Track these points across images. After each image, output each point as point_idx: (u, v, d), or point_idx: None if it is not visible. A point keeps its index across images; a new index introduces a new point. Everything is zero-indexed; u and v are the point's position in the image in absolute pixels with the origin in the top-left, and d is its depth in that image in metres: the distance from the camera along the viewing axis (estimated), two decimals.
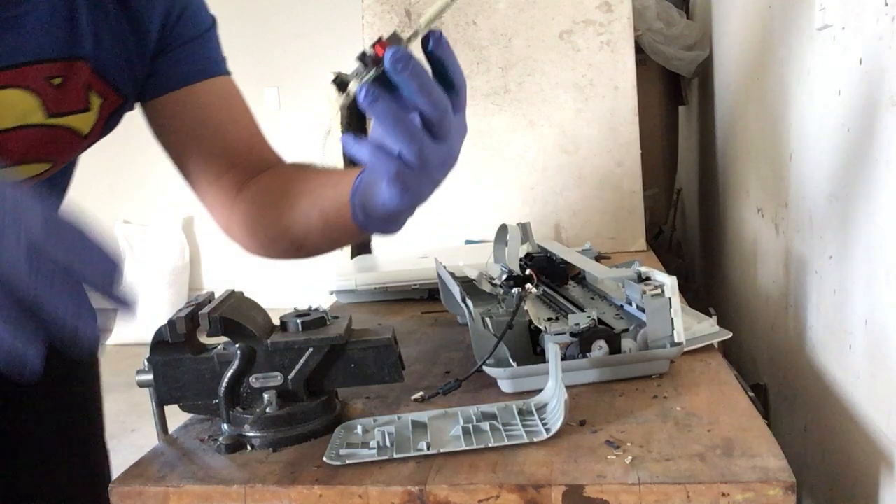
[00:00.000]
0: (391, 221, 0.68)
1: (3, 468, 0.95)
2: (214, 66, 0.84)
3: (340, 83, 0.61)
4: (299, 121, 4.19)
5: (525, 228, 1.26)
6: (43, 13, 0.70)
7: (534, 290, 0.95)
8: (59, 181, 0.85)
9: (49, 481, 0.97)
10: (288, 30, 4.33)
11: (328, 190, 0.74)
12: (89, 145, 0.80)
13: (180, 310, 0.78)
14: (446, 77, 0.55)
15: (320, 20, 4.27)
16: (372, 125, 0.53)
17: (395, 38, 0.51)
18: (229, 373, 0.76)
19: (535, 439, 0.70)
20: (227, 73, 0.86)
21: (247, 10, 4.27)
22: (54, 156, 0.78)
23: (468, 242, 1.70)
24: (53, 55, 0.72)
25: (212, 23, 0.85)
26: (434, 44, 0.53)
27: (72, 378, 1.00)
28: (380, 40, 0.51)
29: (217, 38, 0.85)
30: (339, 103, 0.56)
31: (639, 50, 1.99)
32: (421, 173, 0.56)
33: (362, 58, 0.52)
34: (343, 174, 0.74)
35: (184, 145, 0.83)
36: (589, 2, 1.71)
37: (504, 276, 1.06)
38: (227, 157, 0.83)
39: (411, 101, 0.53)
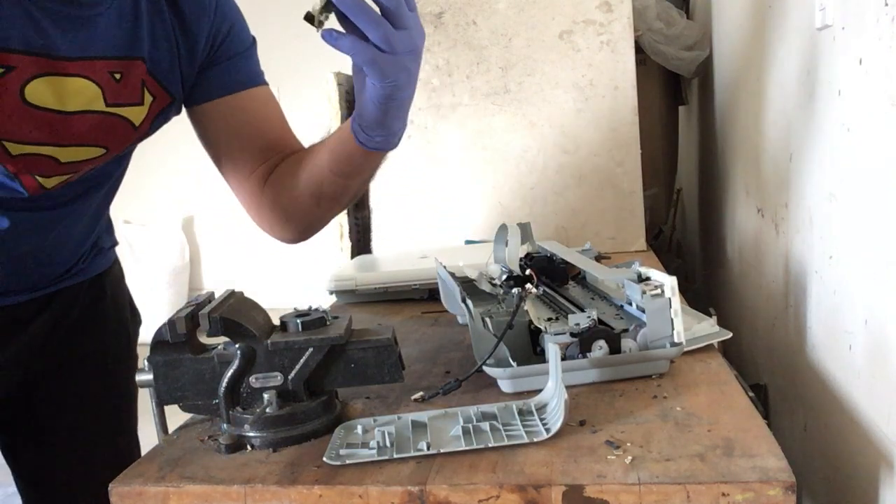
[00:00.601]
0: (384, 128, 0.83)
1: (41, 444, 1.05)
2: (255, 78, 0.97)
3: (309, 15, 0.68)
4: (299, 121, 4.18)
5: (525, 228, 1.26)
6: (113, 15, 0.81)
7: (534, 290, 0.95)
8: (112, 172, 0.98)
9: (82, 462, 1.06)
10: (288, 30, 4.33)
11: (333, 136, 0.90)
12: (139, 139, 0.92)
13: (180, 310, 0.78)
14: None
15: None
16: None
17: None
18: (229, 373, 0.76)
19: (535, 439, 0.70)
20: (265, 83, 0.98)
21: (247, 10, 4.27)
22: (109, 142, 0.88)
23: (468, 242, 1.70)
24: (117, 53, 0.83)
25: (252, 41, 0.98)
26: None
27: (110, 358, 1.10)
28: None
29: (256, 54, 0.98)
30: (316, 9, 0.70)
31: (639, 50, 1.98)
32: (392, 58, 0.71)
33: None
34: (342, 126, 0.88)
35: (224, 145, 0.95)
36: (589, 2, 1.71)
37: (504, 276, 1.06)
38: (261, 155, 0.95)
39: None
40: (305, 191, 0.94)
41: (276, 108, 0.99)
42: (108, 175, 0.98)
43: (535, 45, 1.73)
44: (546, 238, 1.54)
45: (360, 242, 1.82)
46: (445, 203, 1.75)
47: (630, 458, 0.65)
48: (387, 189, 1.76)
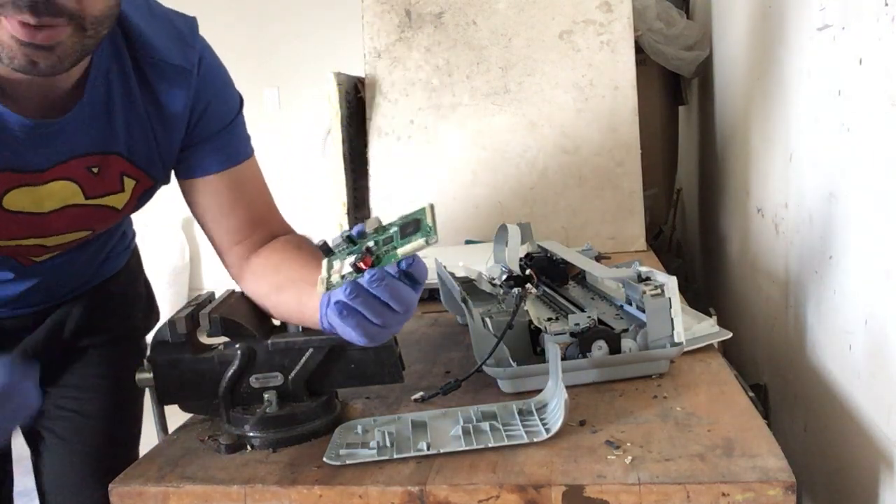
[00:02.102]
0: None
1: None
2: (238, 155, 0.94)
3: (326, 249, 0.67)
4: (299, 121, 4.18)
5: (525, 228, 1.26)
6: (84, 115, 0.81)
7: (534, 290, 0.95)
8: (110, 227, 0.99)
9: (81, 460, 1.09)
10: (288, 30, 4.33)
11: (307, 291, 0.80)
12: (124, 216, 0.94)
13: (180, 310, 0.78)
14: (412, 277, 0.68)
15: (320, 20, 4.26)
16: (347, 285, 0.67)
17: (376, 260, 0.66)
18: (229, 373, 0.76)
19: (535, 439, 0.70)
20: (250, 155, 0.96)
21: (247, 10, 4.27)
22: (93, 226, 0.92)
23: (468, 242, 1.70)
24: (92, 150, 0.83)
25: (238, 108, 0.94)
26: (407, 265, 0.67)
27: (123, 343, 1.12)
28: (368, 251, 0.66)
29: (243, 122, 0.95)
30: (321, 279, 0.68)
31: (639, 50, 1.98)
32: (387, 332, 0.70)
33: (348, 239, 0.69)
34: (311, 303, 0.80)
35: (209, 217, 0.94)
36: (589, 2, 1.71)
37: (504, 276, 1.06)
38: (245, 229, 0.93)
39: (384, 300, 0.67)
40: (274, 311, 0.87)
41: (258, 184, 0.96)
42: (106, 230, 1.00)
43: (535, 45, 1.73)
44: (546, 238, 1.54)
45: None
46: (445, 203, 1.75)
47: (630, 458, 0.65)
48: (387, 189, 1.76)
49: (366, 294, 0.67)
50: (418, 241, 0.64)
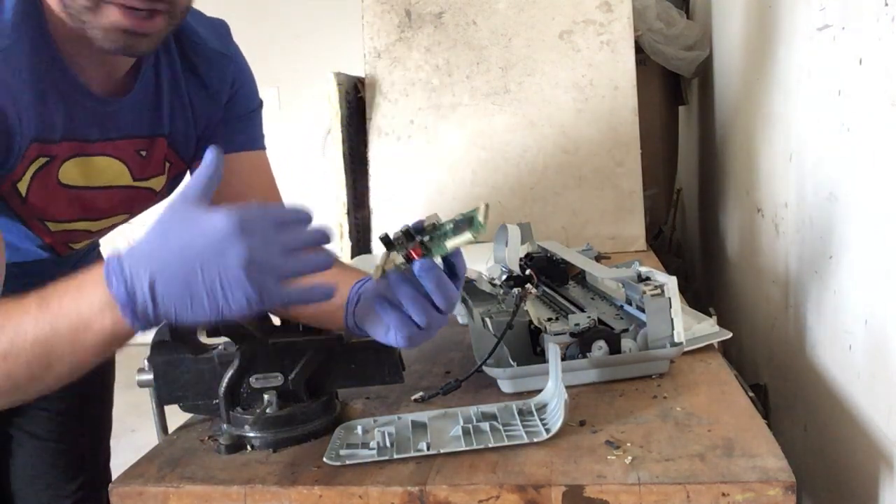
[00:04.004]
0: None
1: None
2: (256, 141, 0.99)
3: (387, 242, 0.70)
4: (299, 121, 4.18)
5: (525, 228, 1.26)
6: (137, 101, 0.86)
7: (534, 290, 0.95)
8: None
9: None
10: (288, 30, 4.33)
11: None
12: (159, 200, 0.96)
13: None
14: (455, 271, 0.71)
15: (320, 20, 4.26)
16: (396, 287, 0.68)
17: (426, 251, 0.67)
18: (229, 373, 0.76)
19: (535, 439, 0.70)
20: (263, 148, 1.00)
21: (247, 10, 4.27)
22: (133, 209, 0.95)
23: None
24: (141, 133, 0.89)
25: (260, 103, 0.99)
26: (453, 259, 0.70)
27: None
28: (421, 243, 0.68)
29: (260, 118, 1.00)
30: (376, 267, 0.70)
31: (639, 50, 1.98)
32: (426, 335, 0.71)
33: (407, 233, 0.68)
34: (342, 275, 0.80)
35: (216, 203, 0.92)
36: (589, 2, 1.71)
37: (504, 276, 1.06)
38: None
39: (428, 290, 0.68)
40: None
41: (268, 176, 1.00)
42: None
43: (535, 45, 1.73)
44: (546, 238, 1.54)
45: (360, 242, 1.82)
46: (445, 203, 1.74)
47: (630, 458, 0.65)
48: (387, 189, 1.76)
49: (409, 285, 0.67)
50: (466, 235, 0.66)
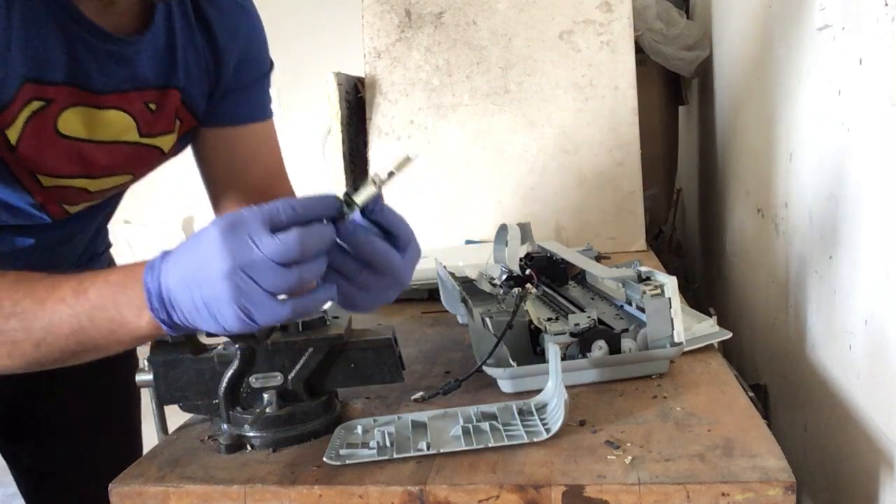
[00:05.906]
0: None
1: (41, 445, 1.04)
2: (263, 111, 0.95)
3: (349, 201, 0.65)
4: (299, 121, 4.18)
5: (525, 228, 1.26)
6: (150, 48, 0.81)
7: (534, 290, 0.95)
8: (128, 186, 0.95)
9: (83, 459, 1.06)
10: (288, 30, 4.33)
11: None
12: (166, 160, 0.91)
13: None
14: (380, 226, 0.65)
15: (320, 20, 4.26)
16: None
17: (349, 209, 0.63)
18: (229, 373, 0.76)
19: (535, 439, 0.70)
20: (270, 115, 0.96)
21: None
22: (137, 169, 0.88)
23: (468, 242, 1.70)
24: (154, 83, 0.83)
25: (271, 66, 0.95)
26: (377, 216, 0.64)
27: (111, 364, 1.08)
28: (346, 203, 0.63)
29: (269, 82, 0.95)
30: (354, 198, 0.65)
31: (639, 50, 1.98)
32: (366, 296, 0.65)
33: (375, 180, 0.64)
34: None
35: (219, 173, 0.94)
36: (589, 2, 1.71)
37: (504, 276, 1.06)
38: (252, 191, 0.93)
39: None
40: None
41: (274, 145, 0.97)
42: (124, 189, 0.98)
43: (535, 45, 1.73)
44: (546, 238, 1.54)
45: None
46: (445, 203, 1.75)
47: (630, 458, 0.65)
48: (386, 189, 1.76)
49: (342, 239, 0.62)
50: (370, 189, 0.63)
